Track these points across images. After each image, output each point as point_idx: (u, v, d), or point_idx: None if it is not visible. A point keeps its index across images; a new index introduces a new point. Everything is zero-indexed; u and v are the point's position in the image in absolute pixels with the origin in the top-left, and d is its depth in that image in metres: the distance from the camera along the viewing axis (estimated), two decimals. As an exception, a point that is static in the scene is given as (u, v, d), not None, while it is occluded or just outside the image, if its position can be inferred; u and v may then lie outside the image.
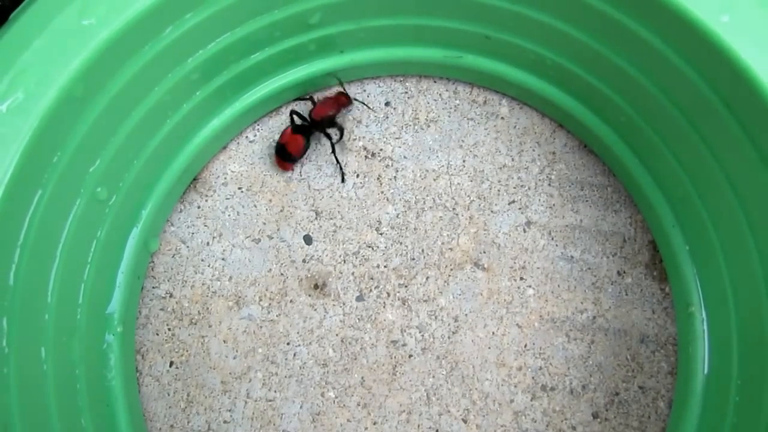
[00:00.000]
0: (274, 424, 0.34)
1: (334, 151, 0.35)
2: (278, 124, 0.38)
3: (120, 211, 0.32)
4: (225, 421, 0.34)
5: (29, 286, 0.27)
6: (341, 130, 0.35)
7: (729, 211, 0.30)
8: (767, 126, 0.25)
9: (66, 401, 0.29)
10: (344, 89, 0.36)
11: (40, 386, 0.28)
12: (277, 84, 0.35)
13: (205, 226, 0.36)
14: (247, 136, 0.37)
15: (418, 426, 0.34)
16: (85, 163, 0.28)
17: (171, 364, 0.35)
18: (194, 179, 0.36)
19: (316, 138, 0.36)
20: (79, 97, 0.26)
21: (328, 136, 0.35)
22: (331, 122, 0.35)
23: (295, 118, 0.36)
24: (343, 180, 0.36)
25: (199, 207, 0.36)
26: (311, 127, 0.35)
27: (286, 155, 0.35)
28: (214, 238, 0.36)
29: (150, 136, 0.32)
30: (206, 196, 0.36)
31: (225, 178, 0.36)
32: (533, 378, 0.34)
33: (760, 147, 0.26)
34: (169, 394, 0.34)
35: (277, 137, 0.37)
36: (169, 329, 0.35)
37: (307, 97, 0.36)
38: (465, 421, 0.34)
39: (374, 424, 0.34)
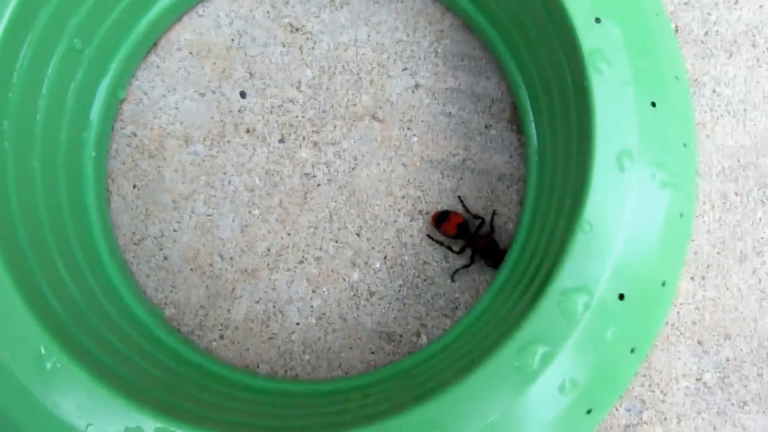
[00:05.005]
0: (211, 233, 0.43)
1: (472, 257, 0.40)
2: (223, 3, 0.45)
3: (93, 61, 0.40)
4: (174, 230, 0.43)
5: (24, 104, 0.37)
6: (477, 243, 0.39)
7: (555, 76, 0.38)
8: None
9: (52, 199, 0.39)
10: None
11: (31, 182, 0.38)
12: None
13: (163, 81, 0.43)
14: (197, 11, 0.45)
15: (322, 238, 0.42)
16: (65, 17, 0.38)
17: (134, 186, 0.42)
18: (154, 45, 0.43)
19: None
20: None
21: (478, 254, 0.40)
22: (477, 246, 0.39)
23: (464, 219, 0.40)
24: (468, 265, 0.40)
25: (158, 67, 0.43)
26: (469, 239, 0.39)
27: (441, 222, 0.40)
28: (169, 91, 0.43)
29: (117, 2, 0.41)
30: (164, 58, 0.43)
31: (179, 45, 0.43)
32: (413, 205, 0.42)
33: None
34: (132, 209, 0.42)
35: (221, 13, 0.45)
36: (133, 160, 0.42)
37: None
38: (358, 235, 0.42)
39: (288, 235, 0.43)
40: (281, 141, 0.43)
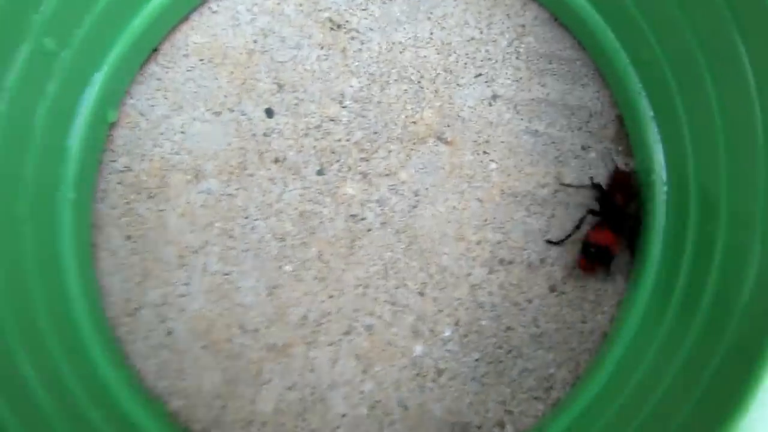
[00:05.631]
0: (230, 298, 0.35)
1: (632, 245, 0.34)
2: None
3: (71, 69, 0.32)
4: (181, 295, 0.35)
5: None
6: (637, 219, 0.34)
7: (697, 77, 0.31)
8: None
9: (12, 258, 0.30)
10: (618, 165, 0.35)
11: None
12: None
13: (165, 98, 0.37)
14: (210, 7, 0.38)
15: (374, 299, 0.35)
16: (29, 5, 0.28)
17: (128, 238, 0.36)
18: (154, 51, 0.37)
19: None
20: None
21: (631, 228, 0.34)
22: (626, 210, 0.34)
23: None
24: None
25: (159, 79, 0.37)
26: (610, 215, 0.33)
27: (599, 255, 0.33)
28: (173, 110, 0.37)
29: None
30: (166, 68, 0.37)
31: (186, 50, 0.37)
32: (491, 252, 0.35)
33: (738, 16, 0.27)
34: (125, 269, 0.35)
35: (241, 8, 0.37)
36: (126, 203, 0.36)
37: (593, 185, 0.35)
38: (421, 294, 0.35)
39: (330, 297, 0.35)
40: (320, 173, 0.36)
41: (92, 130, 0.34)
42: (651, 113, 0.34)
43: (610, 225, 0.33)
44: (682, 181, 0.32)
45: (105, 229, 0.36)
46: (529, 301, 0.35)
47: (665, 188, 0.33)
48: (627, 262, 0.35)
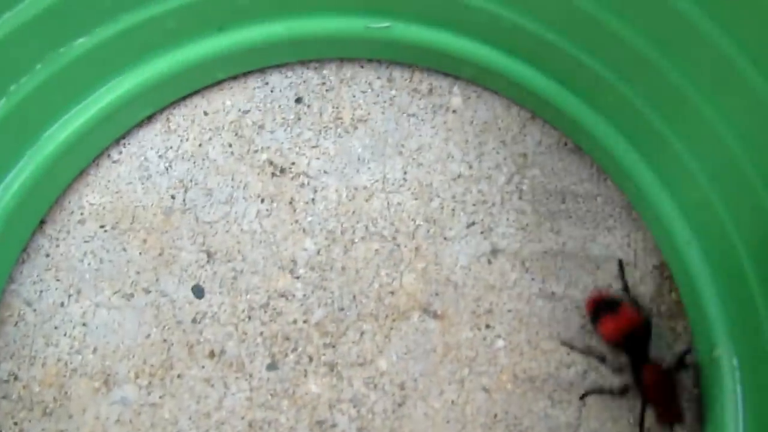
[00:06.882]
0: None
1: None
2: (151, 135, 0.34)
3: None
4: None
5: None
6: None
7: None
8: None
9: None
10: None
11: None
12: (133, 82, 0.30)
13: (58, 280, 0.33)
14: (109, 155, 0.34)
15: None
16: None
17: None
18: (41, 221, 0.33)
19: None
20: None
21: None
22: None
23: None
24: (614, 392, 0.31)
25: (48, 255, 0.33)
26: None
27: (602, 312, 0.31)
28: (70, 296, 0.33)
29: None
30: (57, 240, 0.33)
31: (82, 214, 0.33)
32: None
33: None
34: None
35: (151, 154, 0.31)
36: (15, 424, 0.31)
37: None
38: None
39: None
40: (272, 368, 0.32)
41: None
42: (704, 259, 0.30)
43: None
44: (759, 363, 0.28)
45: (-12, 464, 0.33)
46: None
47: (736, 373, 0.28)
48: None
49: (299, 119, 0.34)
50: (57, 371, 0.31)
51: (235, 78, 0.35)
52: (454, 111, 0.34)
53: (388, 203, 0.33)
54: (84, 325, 0.32)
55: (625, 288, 0.33)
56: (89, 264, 0.32)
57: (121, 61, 0.31)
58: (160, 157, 0.33)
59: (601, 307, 0.32)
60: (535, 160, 0.34)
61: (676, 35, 0.27)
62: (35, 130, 0.30)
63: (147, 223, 0.33)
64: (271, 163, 0.33)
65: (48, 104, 0.30)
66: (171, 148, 0.34)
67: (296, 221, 0.33)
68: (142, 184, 0.33)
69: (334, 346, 0.32)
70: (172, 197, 0.33)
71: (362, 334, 0.32)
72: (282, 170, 0.33)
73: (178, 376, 0.32)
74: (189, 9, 0.30)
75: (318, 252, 0.33)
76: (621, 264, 0.33)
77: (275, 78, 0.34)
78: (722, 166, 0.28)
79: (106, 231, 0.33)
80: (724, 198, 0.29)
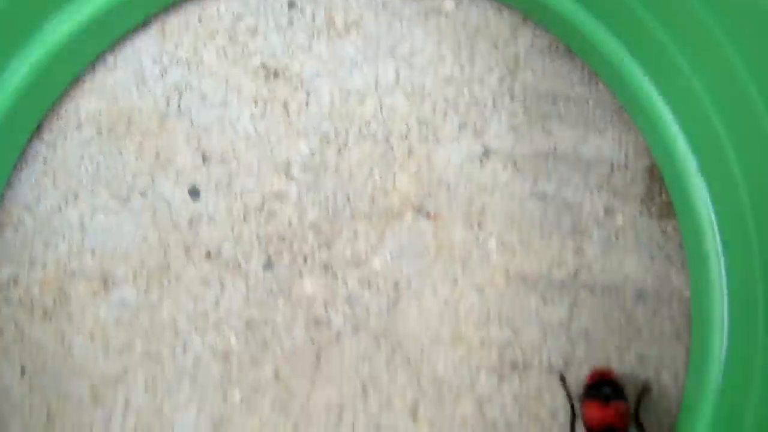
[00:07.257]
0: None
1: None
2: (146, 42, 0.34)
3: None
4: None
5: None
6: None
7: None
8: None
9: None
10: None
11: None
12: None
13: (55, 185, 0.33)
14: (105, 61, 0.33)
15: (352, 426, 0.31)
16: None
17: (22, 371, 0.31)
18: (38, 125, 0.33)
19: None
20: None
21: None
22: None
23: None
24: None
25: (45, 160, 0.33)
26: None
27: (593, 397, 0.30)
28: (67, 200, 0.33)
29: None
30: (54, 145, 0.33)
31: (78, 119, 0.33)
32: (499, 354, 0.32)
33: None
34: (24, 410, 0.31)
35: (145, 59, 0.32)
36: (16, 326, 0.32)
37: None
38: (413, 416, 0.31)
39: (295, 428, 0.31)
40: (268, 267, 0.32)
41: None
42: (695, 162, 0.29)
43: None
44: (745, 247, 0.27)
45: (-9, 363, 0.34)
46: (553, 415, 0.31)
47: (723, 269, 0.28)
48: (674, 355, 0.29)
49: (292, 24, 0.33)
50: (56, 274, 0.32)
51: (228, -16, 0.35)
52: (446, 14, 0.33)
53: (380, 106, 0.33)
54: (82, 228, 0.32)
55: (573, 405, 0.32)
56: (86, 169, 0.32)
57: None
58: (154, 62, 0.33)
59: (597, 392, 0.30)
60: (527, 63, 0.33)
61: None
62: (27, 32, 0.30)
63: (143, 127, 0.32)
64: (264, 66, 0.33)
65: (39, 4, 0.29)
66: (166, 53, 0.33)
67: (290, 124, 0.33)
68: (138, 89, 0.33)
69: (328, 246, 0.32)
70: (167, 102, 0.32)
71: (356, 234, 0.32)
72: (276, 74, 0.33)
73: (176, 277, 0.32)
74: None
75: (312, 154, 0.32)
76: (563, 378, 0.31)
77: (266, -17, 0.36)
78: (717, 70, 0.28)
79: (102, 136, 0.32)
80: (717, 102, 0.28)
